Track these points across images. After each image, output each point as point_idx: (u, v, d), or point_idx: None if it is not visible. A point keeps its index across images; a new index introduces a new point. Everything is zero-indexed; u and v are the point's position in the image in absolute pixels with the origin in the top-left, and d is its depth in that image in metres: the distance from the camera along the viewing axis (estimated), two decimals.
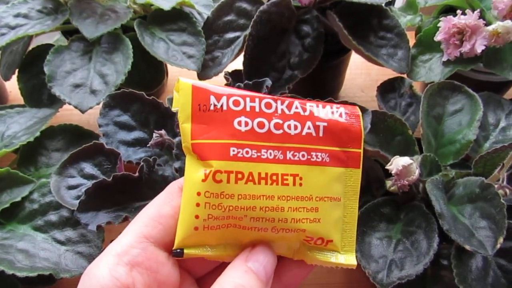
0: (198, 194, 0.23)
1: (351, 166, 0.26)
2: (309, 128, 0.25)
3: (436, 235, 0.37)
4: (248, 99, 0.25)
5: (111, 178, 0.38)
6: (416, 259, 0.37)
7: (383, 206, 0.42)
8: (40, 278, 0.37)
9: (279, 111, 0.25)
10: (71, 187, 0.42)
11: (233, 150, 0.24)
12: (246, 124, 0.25)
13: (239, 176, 0.24)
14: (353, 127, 0.26)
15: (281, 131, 0.25)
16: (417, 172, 0.38)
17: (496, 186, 0.38)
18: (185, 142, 0.24)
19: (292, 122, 0.25)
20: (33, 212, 0.42)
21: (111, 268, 0.23)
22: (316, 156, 0.25)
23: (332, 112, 0.26)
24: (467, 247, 0.35)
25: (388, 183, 0.42)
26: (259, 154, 0.24)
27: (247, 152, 0.24)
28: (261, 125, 0.25)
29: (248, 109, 0.25)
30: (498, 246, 0.35)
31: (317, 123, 0.25)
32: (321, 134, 0.25)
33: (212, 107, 0.24)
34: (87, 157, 0.43)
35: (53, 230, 0.41)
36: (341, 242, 0.26)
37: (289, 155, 0.25)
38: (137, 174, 0.39)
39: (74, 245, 0.40)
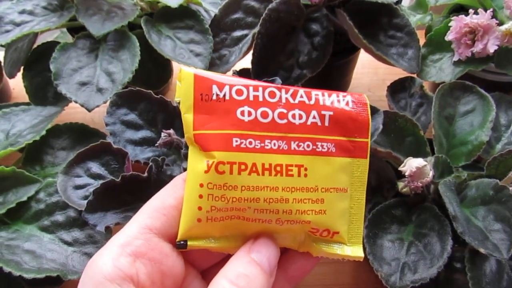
0: (201, 185, 0.23)
1: (358, 156, 0.25)
2: (314, 117, 0.25)
3: (449, 238, 0.37)
4: (251, 88, 0.24)
5: (120, 178, 0.37)
6: (429, 262, 0.36)
7: (394, 207, 0.41)
8: (47, 279, 0.36)
9: (284, 100, 0.25)
10: (78, 187, 0.42)
11: (236, 141, 0.24)
12: (250, 114, 0.24)
13: (242, 167, 0.23)
14: (360, 116, 0.25)
15: (285, 120, 0.24)
16: (431, 173, 0.38)
17: (510, 188, 0.37)
18: (187, 132, 0.24)
19: (297, 112, 0.24)
20: (39, 212, 0.41)
21: (114, 258, 0.23)
22: (322, 146, 0.25)
23: (339, 101, 0.25)
24: (482, 250, 0.35)
25: (400, 184, 0.41)
26: (262, 144, 0.24)
27: (250, 143, 0.24)
28: (264, 114, 0.24)
29: (251, 98, 0.24)
30: None
31: (323, 112, 0.25)
32: (326, 124, 0.25)
33: (214, 97, 0.24)
34: (94, 156, 0.43)
35: (60, 231, 0.40)
36: (348, 234, 0.26)
37: (293, 145, 0.24)
38: (145, 174, 0.39)
39: (81, 246, 0.39)
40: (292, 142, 0.24)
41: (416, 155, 0.42)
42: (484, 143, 0.42)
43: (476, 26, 0.46)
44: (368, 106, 0.26)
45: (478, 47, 0.47)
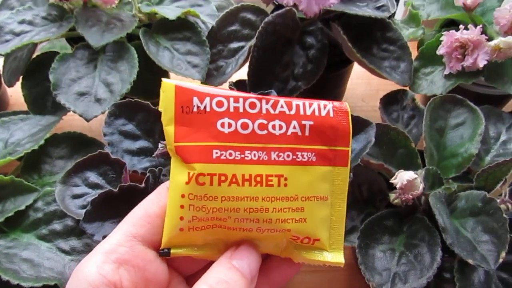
0: (182, 196, 0.24)
1: (338, 164, 0.26)
2: (294, 127, 0.25)
3: (439, 249, 0.38)
4: (232, 100, 0.25)
5: (118, 189, 0.38)
6: (419, 272, 0.37)
7: (386, 218, 0.42)
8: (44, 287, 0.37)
9: (264, 111, 0.25)
10: (75, 196, 0.42)
11: (216, 153, 0.24)
12: (230, 125, 0.25)
13: (222, 178, 0.24)
14: (341, 124, 0.26)
15: (265, 131, 0.25)
16: (421, 186, 0.39)
17: (498, 200, 0.38)
18: (169, 144, 0.25)
19: (277, 122, 0.25)
20: (37, 221, 0.42)
21: (99, 265, 0.24)
22: (302, 156, 0.25)
23: (319, 110, 0.26)
24: (470, 261, 0.35)
25: (392, 196, 0.42)
26: (242, 155, 0.24)
27: (230, 154, 0.24)
28: (244, 126, 0.25)
29: (231, 109, 0.25)
30: (501, 260, 0.35)
31: (303, 122, 0.25)
32: (307, 133, 0.25)
33: (195, 109, 0.24)
34: (92, 166, 0.43)
35: (58, 240, 0.41)
36: (329, 241, 0.26)
37: (273, 155, 0.25)
38: (143, 185, 0.39)
39: (79, 255, 0.40)
40: (272, 153, 0.25)
41: (407, 167, 0.43)
42: (474, 155, 0.43)
43: (467, 41, 0.48)
44: (349, 115, 0.26)
45: (468, 61, 0.48)
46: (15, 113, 0.51)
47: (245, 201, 0.24)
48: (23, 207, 0.42)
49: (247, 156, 0.24)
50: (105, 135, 0.44)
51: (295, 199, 0.25)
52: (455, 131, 0.46)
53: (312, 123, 0.25)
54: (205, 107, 0.24)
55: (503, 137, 0.48)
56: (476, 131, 0.45)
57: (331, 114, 0.26)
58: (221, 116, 0.25)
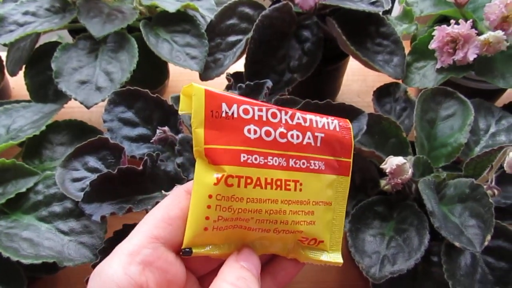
0: (210, 196, 0.25)
1: (342, 174, 0.28)
2: (309, 138, 0.28)
3: (427, 232, 0.39)
4: (256, 108, 0.27)
5: (116, 170, 0.39)
6: (407, 254, 0.38)
7: (377, 204, 0.43)
8: (44, 266, 0.38)
9: (284, 121, 0.27)
10: (75, 180, 0.43)
11: (244, 156, 0.26)
12: (255, 132, 0.26)
13: (248, 181, 0.25)
14: (345, 139, 0.29)
15: (285, 140, 0.27)
16: (410, 171, 0.40)
17: (485, 186, 0.40)
18: (197, 146, 0.26)
19: (295, 132, 0.27)
20: (37, 203, 0.43)
21: (125, 267, 0.24)
22: (314, 164, 0.27)
23: (328, 124, 0.28)
24: (457, 244, 0.37)
25: (382, 182, 0.43)
26: (266, 160, 0.26)
27: (255, 159, 0.26)
28: (268, 133, 0.27)
29: (256, 117, 0.27)
30: (486, 243, 0.37)
31: (316, 133, 0.28)
32: (318, 144, 0.28)
33: (224, 114, 0.26)
34: (92, 151, 0.45)
35: (57, 221, 0.42)
36: (330, 242, 0.29)
37: (291, 162, 0.27)
38: (141, 168, 0.40)
39: (77, 236, 0.41)
40: (290, 160, 0.27)
41: (398, 155, 0.44)
42: (463, 145, 0.45)
43: (457, 36, 0.49)
44: (351, 130, 0.29)
45: (459, 55, 0.49)
46: (18, 101, 0.53)
47: (267, 203, 0.26)
48: (24, 190, 0.43)
49: (269, 162, 0.26)
50: (104, 121, 0.45)
51: (307, 203, 0.27)
52: (445, 122, 0.47)
53: (323, 135, 0.28)
54: (233, 113, 0.26)
55: (492, 129, 0.49)
56: (466, 122, 0.46)
57: (337, 129, 0.29)
58: (247, 122, 0.26)
